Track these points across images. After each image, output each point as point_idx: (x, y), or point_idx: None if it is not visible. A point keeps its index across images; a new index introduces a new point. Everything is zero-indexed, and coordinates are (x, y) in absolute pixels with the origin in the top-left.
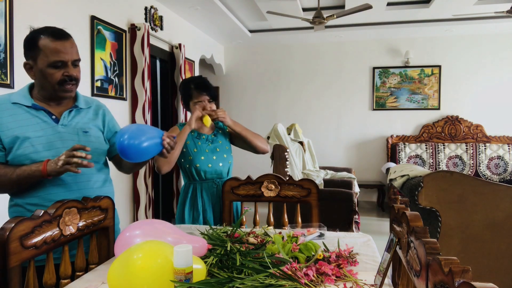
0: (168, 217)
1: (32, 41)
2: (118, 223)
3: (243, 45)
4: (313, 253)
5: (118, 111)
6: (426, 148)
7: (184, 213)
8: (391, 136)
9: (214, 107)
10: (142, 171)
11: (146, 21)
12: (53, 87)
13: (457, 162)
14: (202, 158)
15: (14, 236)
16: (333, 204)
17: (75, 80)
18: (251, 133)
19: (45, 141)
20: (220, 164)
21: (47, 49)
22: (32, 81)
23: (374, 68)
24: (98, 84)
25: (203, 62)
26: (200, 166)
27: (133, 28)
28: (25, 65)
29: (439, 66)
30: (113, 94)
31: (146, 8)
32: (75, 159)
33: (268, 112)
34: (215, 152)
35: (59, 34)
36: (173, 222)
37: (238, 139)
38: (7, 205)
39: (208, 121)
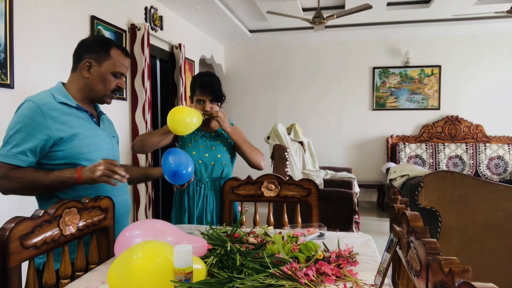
0: (168, 217)
1: (104, 46)
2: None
3: (243, 45)
4: (313, 253)
5: (118, 111)
6: (426, 148)
7: (173, 209)
8: (391, 136)
9: (215, 108)
10: None
11: (146, 21)
12: (105, 92)
13: (457, 162)
14: (194, 153)
15: (14, 236)
16: (333, 204)
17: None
18: (249, 146)
19: (95, 141)
20: (212, 163)
21: (117, 59)
22: (59, 80)
23: (374, 68)
24: None
25: (203, 62)
26: None
27: (133, 28)
28: (85, 63)
29: (439, 66)
30: None
31: (146, 8)
32: (117, 176)
33: (268, 112)
34: (209, 150)
35: (127, 52)
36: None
37: (237, 148)
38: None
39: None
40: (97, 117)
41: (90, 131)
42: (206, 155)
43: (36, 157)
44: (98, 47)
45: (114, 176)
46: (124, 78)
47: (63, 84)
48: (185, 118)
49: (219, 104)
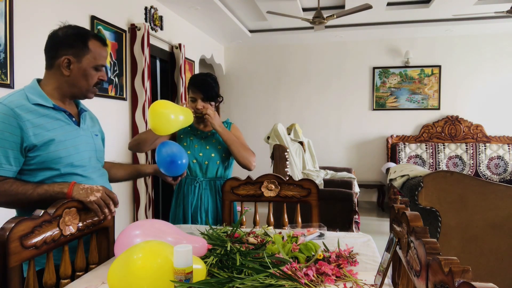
0: (168, 217)
1: (81, 39)
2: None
3: (243, 45)
4: (313, 253)
5: (118, 111)
6: (426, 148)
7: (171, 207)
8: (391, 136)
9: (208, 106)
10: None
11: (146, 21)
12: (87, 88)
13: (457, 162)
14: (189, 152)
15: (14, 236)
16: (333, 204)
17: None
18: (237, 146)
19: (74, 144)
20: (206, 162)
21: (96, 51)
22: (36, 77)
23: (374, 68)
24: None
25: (203, 62)
26: None
27: (133, 28)
28: (63, 60)
29: (439, 66)
30: (113, 94)
31: (146, 8)
32: (106, 211)
33: (268, 112)
34: (204, 149)
35: (104, 41)
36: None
37: (227, 147)
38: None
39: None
40: (78, 116)
41: (68, 133)
42: (200, 154)
43: (20, 164)
44: (75, 41)
45: (104, 209)
46: (104, 69)
47: (39, 81)
48: (168, 114)
49: (212, 103)
